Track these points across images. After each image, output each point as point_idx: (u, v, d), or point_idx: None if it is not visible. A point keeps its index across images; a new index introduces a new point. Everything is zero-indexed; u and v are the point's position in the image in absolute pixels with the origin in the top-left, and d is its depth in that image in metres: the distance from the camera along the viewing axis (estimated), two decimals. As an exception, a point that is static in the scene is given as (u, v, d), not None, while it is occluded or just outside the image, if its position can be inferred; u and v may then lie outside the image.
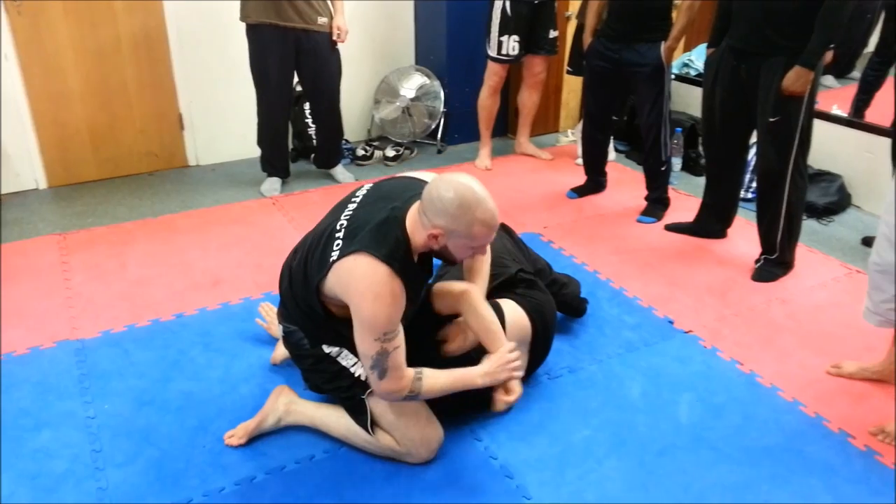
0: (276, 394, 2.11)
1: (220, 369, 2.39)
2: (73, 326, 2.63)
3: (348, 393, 1.96)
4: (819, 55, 2.64)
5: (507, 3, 3.88)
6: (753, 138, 3.02)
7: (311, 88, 3.83)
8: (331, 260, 1.75)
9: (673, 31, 3.28)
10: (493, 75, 4.13)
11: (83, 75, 3.81)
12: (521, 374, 1.95)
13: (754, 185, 3.35)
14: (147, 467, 1.98)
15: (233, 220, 3.54)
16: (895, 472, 2.00)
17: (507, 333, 2.02)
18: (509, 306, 2.16)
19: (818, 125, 2.97)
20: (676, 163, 4.10)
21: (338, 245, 1.76)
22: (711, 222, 3.34)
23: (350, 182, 4.01)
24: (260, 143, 3.88)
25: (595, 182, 3.90)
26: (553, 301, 2.39)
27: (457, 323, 2.06)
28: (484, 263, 2.07)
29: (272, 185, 3.89)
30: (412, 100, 4.51)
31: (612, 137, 3.94)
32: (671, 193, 3.68)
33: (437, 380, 1.84)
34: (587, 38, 3.50)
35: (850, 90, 4.04)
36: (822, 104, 3.18)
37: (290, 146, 4.16)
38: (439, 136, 4.63)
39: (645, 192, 3.65)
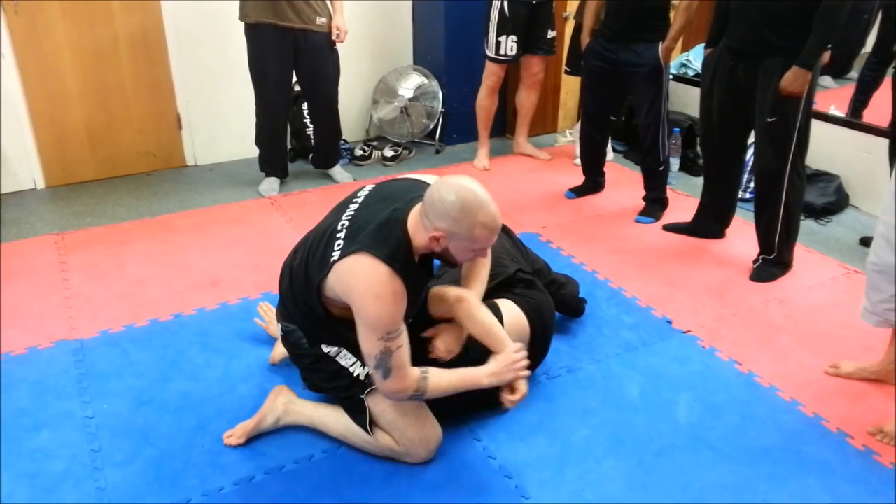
0: (275, 393, 2.11)
1: (219, 369, 2.39)
2: (71, 326, 2.63)
3: (347, 392, 1.96)
4: (817, 55, 2.64)
5: (506, 4, 3.88)
6: (751, 138, 3.03)
7: (309, 88, 3.83)
8: (332, 260, 1.75)
9: (671, 32, 3.28)
10: (491, 75, 4.13)
11: (81, 75, 3.80)
12: (527, 373, 1.95)
13: (752, 185, 3.36)
14: (146, 467, 1.97)
15: (231, 220, 3.53)
16: (894, 471, 2.00)
17: (505, 333, 2.01)
18: (507, 306, 2.16)
19: (816, 125, 2.97)
20: (674, 163, 4.10)
21: (339, 245, 1.77)
22: (710, 222, 3.35)
23: (348, 182, 4.01)
24: (258, 142, 3.88)
25: (593, 182, 3.90)
26: (551, 301, 2.39)
27: (442, 327, 2.05)
28: (484, 266, 2.07)
29: (270, 184, 3.89)
30: (410, 100, 4.51)
31: (610, 137, 3.95)
32: (669, 193, 3.69)
33: (443, 379, 1.84)
34: (585, 39, 3.50)
35: (847, 90, 4.04)
36: (819, 104, 3.18)
37: (289, 146, 4.16)
38: (437, 136, 4.63)
39: (643, 192, 3.66)
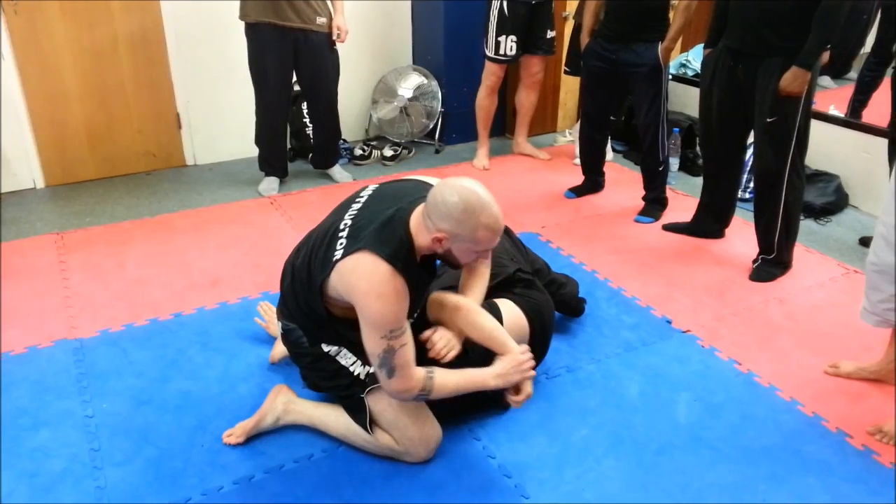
0: (275, 393, 2.11)
1: (219, 368, 2.39)
2: (71, 326, 2.63)
3: (347, 392, 1.96)
4: (816, 56, 2.64)
5: (505, 4, 3.88)
6: (751, 138, 3.03)
7: (309, 88, 3.83)
8: (334, 259, 1.76)
9: (670, 32, 3.28)
10: (490, 75, 4.13)
11: (80, 75, 3.80)
12: (534, 374, 1.95)
13: (752, 185, 3.36)
14: (145, 466, 1.97)
15: (231, 220, 3.53)
16: (893, 471, 2.01)
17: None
18: (507, 306, 2.16)
19: (815, 125, 2.98)
20: (674, 163, 4.10)
21: (341, 244, 1.77)
22: (709, 222, 3.35)
23: (348, 182, 4.01)
24: (258, 142, 3.88)
25: (593, 182, 3.91)
26: (551, 301, 2.39)
27: (440, 326, 2.04)
28: (485, 268, 2.07)
29: (270, 184, 3.89)
30: (410, 100, 4.51)
31: (609, 137, 3.95)
32: (669, 193, 3.69)
33: (449, 380, 1.84)
34: (584, 39, 3.50)
35: (846, 91, 4.04)
36: (819, 105, 3.18)
37: (288, 146, 4.16)
38: (437, 135, 4.63)
39: (642, 192, 3.66)
